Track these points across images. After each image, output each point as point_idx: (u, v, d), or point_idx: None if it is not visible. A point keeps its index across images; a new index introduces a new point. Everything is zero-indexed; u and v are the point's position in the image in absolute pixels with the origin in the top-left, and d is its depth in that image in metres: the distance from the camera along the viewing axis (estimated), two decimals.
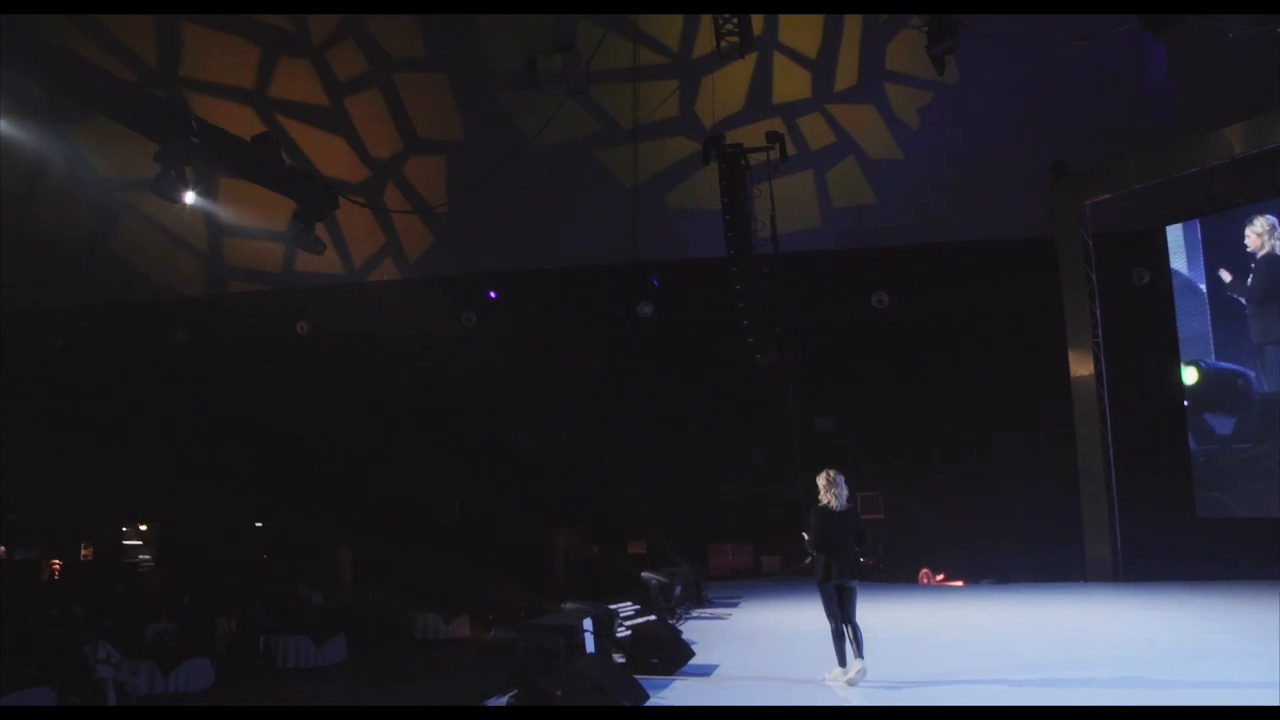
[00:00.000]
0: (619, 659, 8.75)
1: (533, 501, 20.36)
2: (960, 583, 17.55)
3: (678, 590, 13.10)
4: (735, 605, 14.37)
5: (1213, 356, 16.43)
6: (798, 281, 18.82)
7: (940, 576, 17.89)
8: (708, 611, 13.77)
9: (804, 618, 8.41)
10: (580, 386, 20.46)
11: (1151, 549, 16.14)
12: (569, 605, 9.32)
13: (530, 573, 18.67)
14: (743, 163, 16.77)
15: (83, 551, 21.56)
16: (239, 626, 13.69)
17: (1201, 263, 16.47)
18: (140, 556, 21.67)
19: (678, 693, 8.02)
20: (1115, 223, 17.30)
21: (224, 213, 18.53)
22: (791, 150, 19.64)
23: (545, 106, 19.28)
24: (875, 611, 13.53)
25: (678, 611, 12.91)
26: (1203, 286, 16.46)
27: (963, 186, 19.01)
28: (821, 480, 8.52)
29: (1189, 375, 16.64)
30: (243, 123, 18.44)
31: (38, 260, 20.44)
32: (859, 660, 8.10)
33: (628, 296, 21.03)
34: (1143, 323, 17.29)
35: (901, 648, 10.15)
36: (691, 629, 11.88)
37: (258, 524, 21.66)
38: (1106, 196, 16.94)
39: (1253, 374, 15.95)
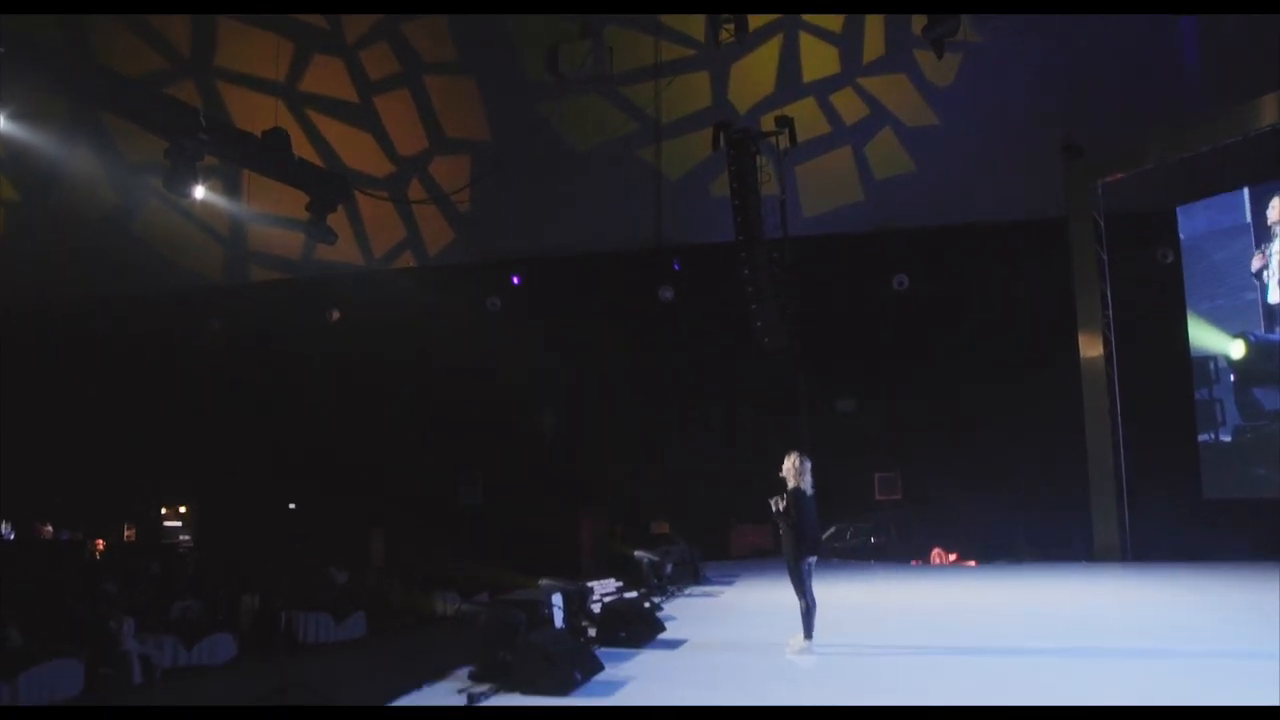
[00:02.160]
0: (592, 633, 9.10)
1: (557, 484, 20.70)
2: (973, 563, 17.63)
3: (669, 568, 13.38)
4: (730, 584, 14.58)
5: (1261, 329, 16.09)
6: (821, 264, 18.97)
7: (953, 556, 17.99)
8: (701, 589, 14.01)
9: (788, 595, 8.73)
10: (604, 370, 20.66)
11: (1160, 530, 16.07)
12: (544, 582, 9.67)
13: (555, 553, 19.01)
14: (753, 149, 16.83)
15: (125, 532, 22.39)
16: (262, 603, 14.23)
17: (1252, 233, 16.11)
18: (180, 537, 22.46)
19: (638, 664, 8.35)
20: (1128, 203, 17.12)
21: (236, 207, 18.98)
22: (826, 129, 19.75)
23: (573, 110, 19.54)
24: (879, 589, 13.81)
25: (669, 589, 13.20)
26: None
27: (985, 166, 18.86)
28: (792, 463, 8.79)
29: (1236, 349, 16.34)
30: (271, 114, 19.01)
31: (72, 248, 21.12)
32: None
33: (650, 281, 21.18)
34: (1154, 304, 17.17)
35: (884, 620, 10.49)
36: (678, 605, 12.19)
37: (290, 505, 22.30)
38: (1119, 177, 16.79)
39: None
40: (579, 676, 7.21)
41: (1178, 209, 16.54)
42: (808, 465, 8.76)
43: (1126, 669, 7.76)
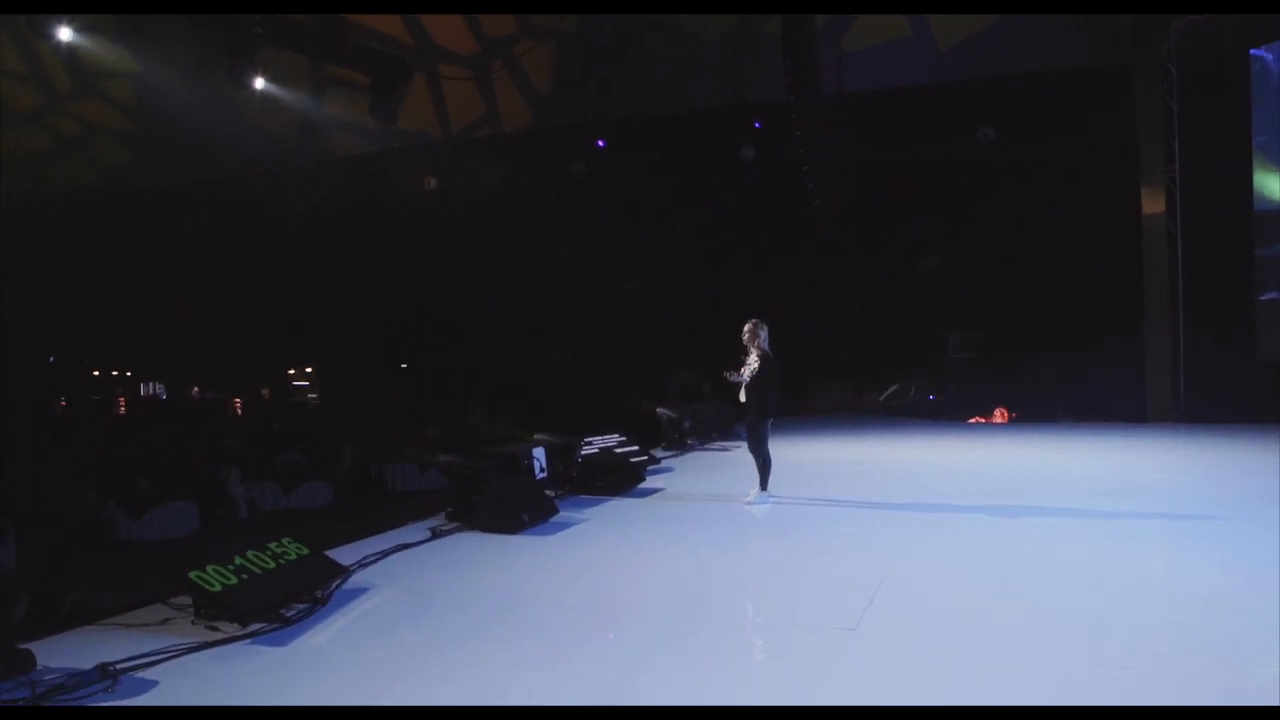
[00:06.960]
0: None
1: (643, 342, 21.49)
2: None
3: (686, 424, 14.20)
4: None
5: None
6: (891, 119, 18.64)
7: (1015, 415, 18.07)
8: (719, 445, 14.72)
9: (794, 450, 9.48)
10: (688, 230, 20.93)
11: (1214, 390, 15.66)
12: (538, 436, 10.66)
13: (638, 412, 19.96)
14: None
15: (261, 392, 24.75)
16: (357, 455, 15.89)
17: None
18: (308, 395, 24.64)
19: (602, 509, 9.34)
20: (1198, 48, 16.01)
21: (296, 95, 19.82)
22: None
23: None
24: (890, 448, 13.97)
25: (690, 443, 14.05)
26: None
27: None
28: (752, 330, 9.30)
29: None
30: None
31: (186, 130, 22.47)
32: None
33: (730, 140, 21.05)
34: (1218, 157, 16.10)
35: (862, 476, 11.12)
36: (687, 459, 13.09)
37: (403, 365, 24.03)
38: (1192, 18, 15.69)
39: None
40: (526, 518, 8.24)
41: (1250, 52, 15.44)
42: (764, 331, 9.27)
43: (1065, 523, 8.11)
